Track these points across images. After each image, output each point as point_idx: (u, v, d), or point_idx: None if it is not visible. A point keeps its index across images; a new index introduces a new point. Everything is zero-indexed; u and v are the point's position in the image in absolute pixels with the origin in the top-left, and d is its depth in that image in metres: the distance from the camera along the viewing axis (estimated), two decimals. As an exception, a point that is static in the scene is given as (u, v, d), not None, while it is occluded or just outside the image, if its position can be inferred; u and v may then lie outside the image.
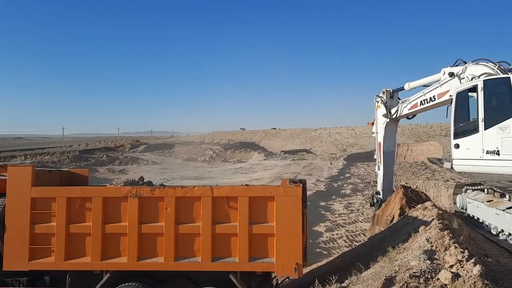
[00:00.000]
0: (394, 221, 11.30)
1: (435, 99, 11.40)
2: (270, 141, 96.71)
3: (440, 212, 9.18)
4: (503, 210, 8.64)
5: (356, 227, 18.81)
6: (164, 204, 6.63)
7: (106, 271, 6.76)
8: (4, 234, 6.76)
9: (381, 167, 13.83)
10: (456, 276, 5.04)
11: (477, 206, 10.23)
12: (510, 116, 8.49)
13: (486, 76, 9.50)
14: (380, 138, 13.81)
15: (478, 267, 5.10)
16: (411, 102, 12.45)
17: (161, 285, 6.89)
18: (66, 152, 63.16)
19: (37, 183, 6.91)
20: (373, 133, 14.45)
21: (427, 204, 10.32)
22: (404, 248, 7.09)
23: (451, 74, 10.57)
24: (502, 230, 8.75)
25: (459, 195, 11.92)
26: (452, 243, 6.26)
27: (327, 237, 17.25)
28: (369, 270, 6.61)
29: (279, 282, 8.05)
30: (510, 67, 9.60)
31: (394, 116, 13.25)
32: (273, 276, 6.97)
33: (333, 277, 6.35)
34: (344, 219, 20.31)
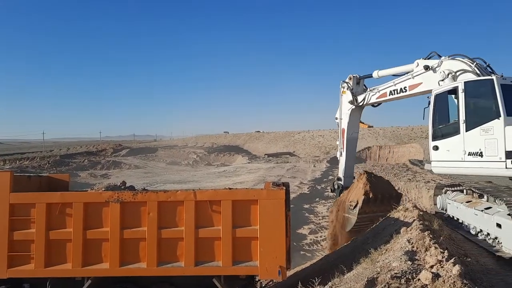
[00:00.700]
0: (358, 207, 11.32)
1: (405, 91, 11.28)
2: (254, 144, 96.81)
3: (421, 213, 9.31)
4: (482, 211, 8.79)
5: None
6: (146, 209, 6.57)
7: (88, 278, 6.66)
8: None
9: (344, 154, 13.70)
10: (436, 276, 5.13)
11: (456, 207, 10.38)
12: (493, 117, 8.51)
13: (462, 73, 9.56)
14: (344, 125, 13.63)
15: (457, 267, 5.20)
16: (380, 91, 12.30)
17: (144, 290, 6.82)
18: (47, 157, 62.01)
19: (15, 189, 6.77)
20: (336, 118, 14.12)
21: (408, 205, 10.45)
22: (386, 249, 7.18)
23: (427, 67, 10.45)
24: (481, 230, 8.90)
25: (439, 196, 12.03)
26: (433, 243, 6.36)
27: (310, 239, 17.35)
28: (351, 271, 6.67)
29: (263, 285, 8.07)
30: (486, 64, 9.70)
31: (360, 104, 13.09)
32: (257, 279, 6.98)
33: (316, 280, 6.39)
34: (328, 221, 20.42)
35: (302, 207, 23.63)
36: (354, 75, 13.50)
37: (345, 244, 12.03)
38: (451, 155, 9.35)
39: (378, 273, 5.62)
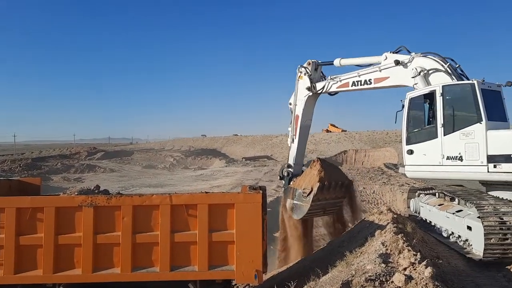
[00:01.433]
0: (313, 194, 11.04)
1: (370, 83, 11.03)
2: (232, 147, 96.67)
3: (395, 216, 9.47)
4: (453, 213, 8.96)
5: (316, 232, 19.03)
6: (121, 213, 6.47)
7: (59, 284, 6.49)
8: None
9: (296, 141, 13.24)
10: (409, 278, 5.23)
11: (429, 210, 10.55)
12: (474, 122, 8.56)
13: (434, 72, 9.57)
14: (299, 111, 13.07)
15: (429, 269, 5.32)
16: (341, 80, 11.91)
17: (117, 296, 6.70)
18: (18, 160, 60.20)
19: (-17, 193, 6.57)
20: (290, 104, 13.47)
21: (383, 208, 10.60)
22: (361, 252, 7.28)
23: (397, 62, 10.19)
24: (452, 233, 9.06)
25: (412, 199, 12.17)
26: (406, 246, 6.48)
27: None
28: (327, 275, 6.72)
29: (239, 289, 8.03)
30: (457, 65, 9.74)
31: (319, 92, 12.62)
32: (233, 283, 6.95)
33: (292, 283, 6.41)
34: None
35: (279, 211, 23.68)
36: (313, 60, 12.98)
37: (322, 247, 12.10)
38: (428, 159, 9.34)
39: (353, 276, 5.69)
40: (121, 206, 6.47)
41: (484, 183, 9.03)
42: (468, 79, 9.65)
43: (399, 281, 5.20)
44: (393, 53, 10.70)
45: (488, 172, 8.42)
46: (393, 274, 5.43)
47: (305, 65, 13.00)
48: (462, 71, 9.81)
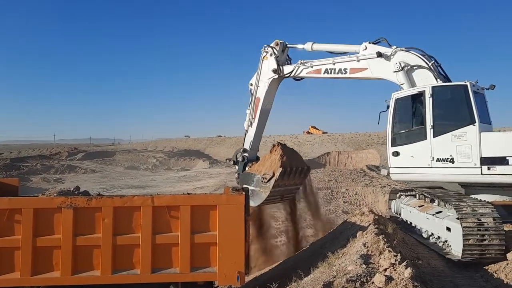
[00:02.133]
0: (274, 179, 10.59)
1: (345, 72, 10.52)
2: (215, 148, 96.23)
3: (376, 217, 9.56)
4: (433, 215, 9.08)
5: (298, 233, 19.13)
6: (101, 215, 6.36)
7: (38, 287, 6.37)
8: None
9: (254, 125, 12.43)
10: (389, 279, 5.29)
11: (409, 211, 10.66)
12: (466, 124, 8.51)
13: (418, 68, 9.41)
14: (261, 94, 12.25)
15: (409, 270, 5.39)
16: (313, 66, 11.26)
17: (97, 299, 6.60)
18: (-4, 160, 58.88)
19: (-42, 194, 6.39)
20: (251, 85, 12.56)
21: (365, 209, 10.71)
22: (343, 253, 7.33)
23: (379, 54, 9.81)
24: (432, 234, 9.18)
25: (393, 200, 12.26)
26: (387, 247, 6.55)
27: (270, 244, 17.38)
28: (309, 276, 6.75)
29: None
30: (438, 64, 9.66)
31: (286, 75, 11.88)
32: (215, 285, 6.92)
33: (274, 284, 6.42)
34: (287, 226, 20.59)
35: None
36: (281, 41, 12.15)
37: (304, 248, 12.14)
38: (416, 161, 9.15)
39: (334, 277, 5.72)
40: (102, 208, 6.37)
41: (465, 185, 9.18)
42: (449, 79, 9.68)
43: (380, 281, 5.26)
44: (372, 43, 10.34)
45: (481, 174, 8.40)
46: (374, 275, 5.49)
47: (272, 44, 12.14)
48: (443, 70, 9.76)
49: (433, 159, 8.88)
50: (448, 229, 8.32)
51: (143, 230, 6.37)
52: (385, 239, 6.97)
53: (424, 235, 9.57)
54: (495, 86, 9.51)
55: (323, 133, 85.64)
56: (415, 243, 9.45)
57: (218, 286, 7.28)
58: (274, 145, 11.47)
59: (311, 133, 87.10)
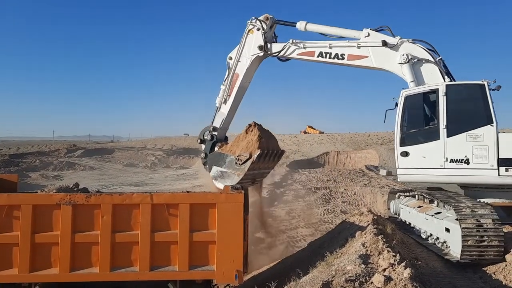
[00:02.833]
0: (251, 161, 10.00)
1: (343, 58, 9.94)
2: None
3: (375, 217, 9.54)
4: (432, 215, 9.08)
5: (297, 233, 19.15)
6: (100, 212, 6.36)
7: (35, 284, 6.35)
8: None
9: (229, 102, 11.58)
10: (388, 279, 5.28)
11: (408, 212, 10.65)
12: (483, 124, 8.31)
13: (425, 63, 9.11)
14: (240, 70, 11.38)
15: (408, 270, 5.38)
16: (306, 47, 10.53)
17: (95, 297, 6.60)
18: (-6, 156, 58.80)
19: (-43, 190, 6.38)
20: (230, 58, 11.62)
21: (364, 210, 10.69)
22: (342, 253, 7.33)
23: (385, 43, 9.34)
24: (431, 234, 9.18)
25: (392, 201, 12.22)
26: (386, 247, 6.55)
27: (268, 243, 17.39)
28: (307, 275, 6.74)
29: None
30: (443, 60, 9.34)
31: (274, 55, 11.06)
32: (213, 283, 6.92)
33: (273, 283, 6.41)
34: (286, 225, 20.60)
35: (261, 211, 23.69)
36: (271, 16, 11.24)
37: (302, 248, 12.12)
38: (428, 162, 8.82)
39: (333, 276, 5.72)
40: (101, 205, 6.36)
41: (464, 186, 9.16)
42: (452, 76, 9.46)
43: (379, 281, 5.25)
44: (375, 30, 9.83)
45: (498, 175, 8.24)
46: (373, 275, 5.48)
47: (261, 18, 11.21)
48: (446, 67, 9.49)
49: (447, 160, 8.57)
50: (447, 230, 8.32)
51: (142, 228, 6.37)
52: (384, 239, 6.96)
53: (423, 236, 9.57)
54: (501, 86, 9.37)
55: (320, 132, 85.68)
56: (413, 244, 9.45)
57: (216, 285, 7.28)
58: (250, 125, 10.73)
59: (308, 133, 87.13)
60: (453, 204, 8.14)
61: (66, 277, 6.30)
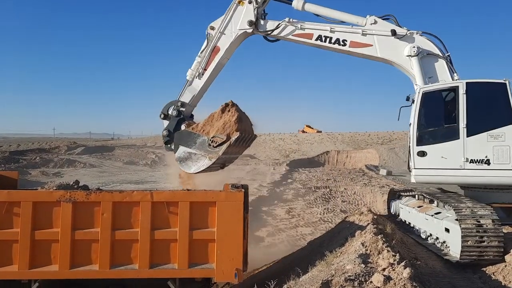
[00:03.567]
0: (227, 144, 9.09)
1: (344, 45, 9.30)
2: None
3: (375, 217, 9.57)
4: (431, 215, 9.09)
5: (297, 231, 19.17)
6: (100, 209, 6.37)
7: (35, 280, 6.36)
8: None
9: (204, 77, 10.35)
10: (387, 278, 5.28)
11: (408, 212, 10.67)
12: (505, 123, 8.16)
13: (434, 58, 8.86)
14: (223, 44, 10.17)
15: (408, 270, 5.38)
16: (304, 28, 9.64)
17: (95, 294, 6.61)
18: (-5, 153, 58.81)
19: (-43, 186, 6.39)
20: (212, 28, 10.22)
21: (363, 209, 10.71)
22: (341, 252, 7.33)
23: (394, 32, 8.85)
24: (430, 234, 9.19)
25: (392, 201, 12.27)
26: (385, 247, 6.55)
27: (268, 242, 17.41)
28: (307, 274, 6.74)
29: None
30: (448, 55, 9.04)
31: (269, 33, 9.99)
32: (213, 282, 6.93)
33: (272, 282, 6.42)
34: (286, 224, 20.62)
35: (261, 210, 23.68)
36: None
37: (302, 247, 12.12)
38: (447, 162, 8.51)
39: (333, 275, 5.72)
40: (101, 202, 6.38)
41: (465, 186, 9.14)
42: (455, 72, 9.18)
43: (378, 281, 5.25)
44: (382, 18, 9.30)
45: None
46: (372, 274, 5.48)
47: None
48: (451, 63, 9.18)
49: (466, 160, 8.31)
50: (447, 230, 8.33)
51: (142, 226, 6.38)
52: (383, 239, 6.97)
53: (423, 236, 9.58)
54: None
55: (318, 132, 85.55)
56: (413, 244, 9.46)
57: (215, 283, 7.29)
58: (227, 104, 9.54)
59: (306, 132, 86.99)
60: (453, 204, 8.15)
61: (66, 274, 6.31)
